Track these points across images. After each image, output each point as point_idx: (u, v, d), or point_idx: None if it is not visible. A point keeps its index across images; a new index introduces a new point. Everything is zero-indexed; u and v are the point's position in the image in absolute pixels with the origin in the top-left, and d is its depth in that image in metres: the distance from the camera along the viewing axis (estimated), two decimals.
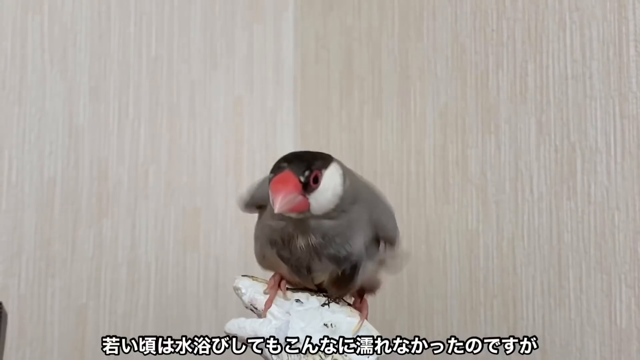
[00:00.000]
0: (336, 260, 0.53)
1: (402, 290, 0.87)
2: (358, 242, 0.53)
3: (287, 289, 0.56)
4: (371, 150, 0.93)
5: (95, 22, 0.93)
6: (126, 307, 0.93)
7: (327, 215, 0.53)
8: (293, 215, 0.52)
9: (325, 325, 0.51)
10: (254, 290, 0.55)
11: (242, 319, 0.53)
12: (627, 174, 0.64)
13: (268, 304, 0.54)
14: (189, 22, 1.00)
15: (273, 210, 0.49)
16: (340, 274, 0.53)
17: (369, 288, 0.58)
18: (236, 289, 0.56)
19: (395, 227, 0.57)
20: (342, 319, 0.53)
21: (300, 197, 0.51)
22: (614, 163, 0.66)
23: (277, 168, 0.52)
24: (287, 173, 0.51)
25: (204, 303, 0.99)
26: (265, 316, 0.53)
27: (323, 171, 0.52)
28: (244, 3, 1.06)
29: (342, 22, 1.01)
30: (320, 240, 0.53)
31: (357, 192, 0.55)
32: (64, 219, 0.89)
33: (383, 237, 0.56)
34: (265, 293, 0.55)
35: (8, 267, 0.85)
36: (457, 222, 0.81)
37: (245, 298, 0.55)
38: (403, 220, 0.87)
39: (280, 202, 0.49)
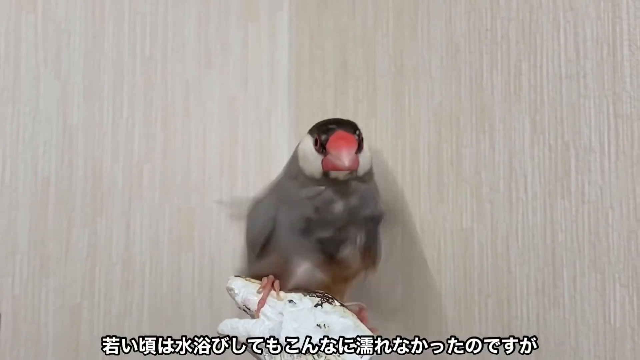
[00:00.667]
0: (373, 219, 0.56)
1: (396, 290, 0.84)
2: (381, 205, 0.57)
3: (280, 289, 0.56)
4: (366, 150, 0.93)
5: (89, 22, 0.93)
6: (121, 307, 0.93)
7: (361, 178, 0.55)
8: (341, 176, 0.54)
9: (319, 326, 0.51)
10: (247, 291, 0.55)
11: (235, 319, 0.53)
12: (621, 173, 0.64)
13: (261, 304, 0.54)
14: (183, 21, 1.00)
15: (321, 172, 0.53)
16: (367, 239, 0.55)
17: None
18: (229, 290, 0.56)
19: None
20: (335, 320, 0.53)
21: (356, 155, 0.53)
22: (607, 162, 0.66)
23: (326, 130, 0.54)
24: (343, 132, 0.53)
25: (198, 303, 0.99)
26: (258, 316, 0.53)
27: (362, 135, 0.56)
28: (239, 2, 1.06)
29: (336, 21, 1.01)
30: (357, 202, 0.55)
31: (373, 166, 0.58)
32: (58, 218, 0.89)
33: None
34: (258, 293, 0.55)
35: (2, 267, 0.85)
36: (451, 221, 0.81)
37: (238, 299, 0.55)
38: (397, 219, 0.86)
39: (347, 157, 0.51)
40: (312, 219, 0.55)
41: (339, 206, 0.55)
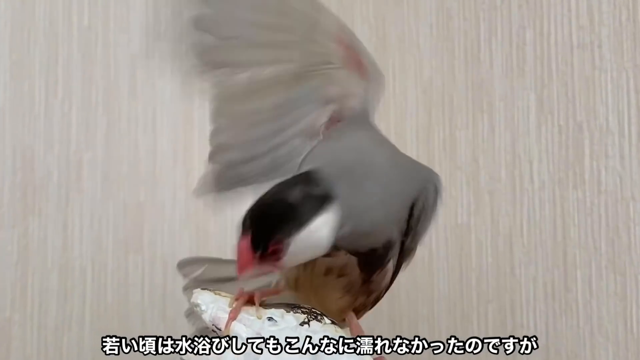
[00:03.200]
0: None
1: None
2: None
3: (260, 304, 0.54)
4: None
5: None
6: (58, 320, 0.92)
7: None
8: None
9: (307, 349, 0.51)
10: (217, 307, 0.53)
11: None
12: None
13: (232, 315, 0.52)
14: None
15: None
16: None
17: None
18: (194, 305, 0.54)
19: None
20: None
21: (263, 267, 0.51)
22: (628, 145, 0.67)
23: (242, 222, 0.50)
24: (244, 242, 0.50)
25: (149, 314, 0.98)
26: (227, 330, 0.52)
27: (291, 238, 0.50)
28: None
29: None
30: None
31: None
32: None
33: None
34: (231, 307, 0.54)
35: None
36: (444, 216, 0.82)
37: (206, 316, 0.53)
38: None
39: (241, 278, 0.51)
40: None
41: None
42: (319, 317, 0.53)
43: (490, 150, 0.78)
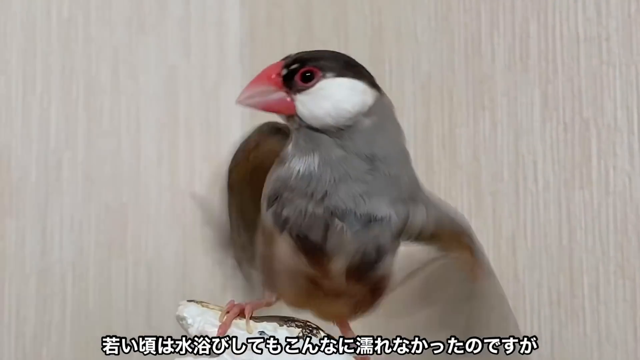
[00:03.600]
0: (369, 220, 0.50)
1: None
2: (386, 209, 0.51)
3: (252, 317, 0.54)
4: None
5: None
6: (37, 328, 0.91)
7: (337, 135, 0.50)
8: (284, 121, 0.52)
9: None
10: (204, 320, 0.53)
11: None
12: None
13: (221, 331, 0.52)
14: None
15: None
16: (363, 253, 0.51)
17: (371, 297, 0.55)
18: (180, 319, 0.53)
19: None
20: (322, 359, 0.52)
21: (279, 94, 0.50)
22: (637, 143, 0.66)
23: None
24: (277, 63, 0.51)
25: (133, 321, 0.97)
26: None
27: (329, 75, 0.51)
28: None
29: None
30: (317, 171, 0.50)
31: (384, 151, 0.51)
32: None
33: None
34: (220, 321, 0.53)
35: None
36: None
37: (193, 330, 0.53)
38: None
39: (244, 93, 0.50)
40: (275, 184, 0.51)
41: (294, 169, 0.51)
42: (315, 332, 0.53)
43: (492, 149, 0.77)
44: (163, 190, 1.00)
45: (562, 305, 0.71)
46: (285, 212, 0.51)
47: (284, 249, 0.52)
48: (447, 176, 0.81)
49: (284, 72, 0.51)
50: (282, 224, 0.51)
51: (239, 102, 0.50)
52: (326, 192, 0.50)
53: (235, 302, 0.54)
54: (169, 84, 1.03)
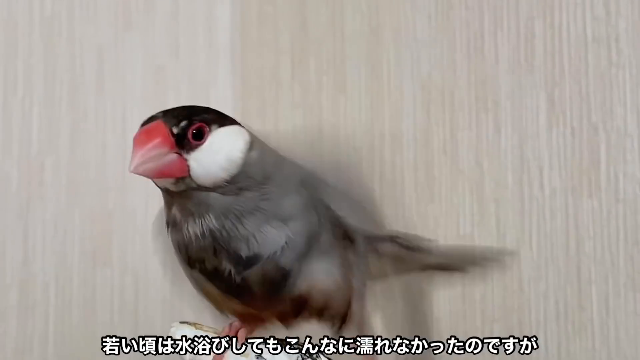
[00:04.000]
0: (239, 260, 0.52)
1: (374, 315, 0.79)
2: (281, 233, 0.53)
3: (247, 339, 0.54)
4: (333, 135, 0.90)
5: None
6: (18, 341, 0.91)
7: (224, 191, 0.51)
8: (169, 185, 0.51)
9: None
10: (199, 345, 0.54)
11: None
12: None
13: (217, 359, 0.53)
14: None
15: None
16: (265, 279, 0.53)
17: (334, 310, 0.57)
18: (172, 341, 0.54)
19: (369, 221, 0.59)
20: None
21: (172, 156, 0.50)
22: None
23: (148, 119, 0.51)
24: (158, 123, 0.50)
25: (119, 334, 0.88)
26: None
27: (214, 127, 0.51)
28: None
29: None
30: (216, 225, 0.51)
31: (274, 170, 0.53)
32: None
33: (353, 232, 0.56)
34: None
35: None
36: (445, 226, 0.82)
37: (187, 356, 0.54)
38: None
39: (137, 159, 0.49)
40: (182, 252, 0.55)
41: (191, 228, 0.52)
42: (314, 356, 0.54)
43: (495, 154, 0.77)
44: (150, 196, 0.89)
45: (570, 318, 0.71)
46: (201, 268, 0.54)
47: (210, 290, 0.55)
48: (449, 182, 0.81)
49: (176, 130, 0.50)
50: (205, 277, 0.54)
51: (134, 170, 0.49)
52: (229, 242, 0.52)
53: (231, 324, 0.55)
54: (156, 84, 1.02)
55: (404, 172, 0.86)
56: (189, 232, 0.52)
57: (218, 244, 0.51)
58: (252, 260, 0.52)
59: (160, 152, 0.49)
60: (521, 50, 0.75)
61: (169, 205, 0.53)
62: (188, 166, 0.50)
